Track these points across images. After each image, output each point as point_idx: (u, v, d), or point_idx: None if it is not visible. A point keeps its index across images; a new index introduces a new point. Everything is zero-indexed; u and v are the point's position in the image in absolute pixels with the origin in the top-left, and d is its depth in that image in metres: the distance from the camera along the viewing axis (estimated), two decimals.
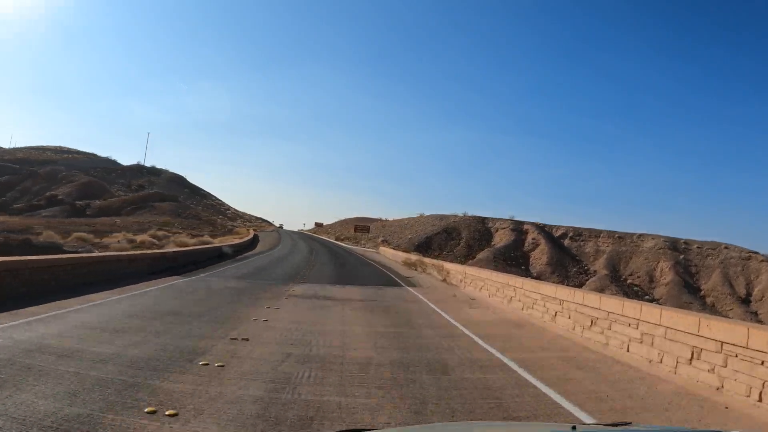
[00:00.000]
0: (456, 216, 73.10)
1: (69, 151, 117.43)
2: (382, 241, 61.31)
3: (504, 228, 69.53)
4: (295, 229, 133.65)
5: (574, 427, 1.71)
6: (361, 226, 59.75)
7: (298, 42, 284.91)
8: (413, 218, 79.55)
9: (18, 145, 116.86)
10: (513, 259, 59.75)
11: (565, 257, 64.03)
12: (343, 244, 58.32)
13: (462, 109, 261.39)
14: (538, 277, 57.49)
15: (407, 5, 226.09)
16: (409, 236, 61.34)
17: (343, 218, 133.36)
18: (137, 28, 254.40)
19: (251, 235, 55.23)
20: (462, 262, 56.79)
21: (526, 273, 57.02)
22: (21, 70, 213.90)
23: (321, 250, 39.94)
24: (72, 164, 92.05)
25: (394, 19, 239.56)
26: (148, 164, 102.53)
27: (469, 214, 74.06)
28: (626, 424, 2.12)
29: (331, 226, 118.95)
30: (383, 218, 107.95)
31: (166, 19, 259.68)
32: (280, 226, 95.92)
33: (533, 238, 67.18)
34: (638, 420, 4.20)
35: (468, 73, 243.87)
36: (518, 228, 69.53)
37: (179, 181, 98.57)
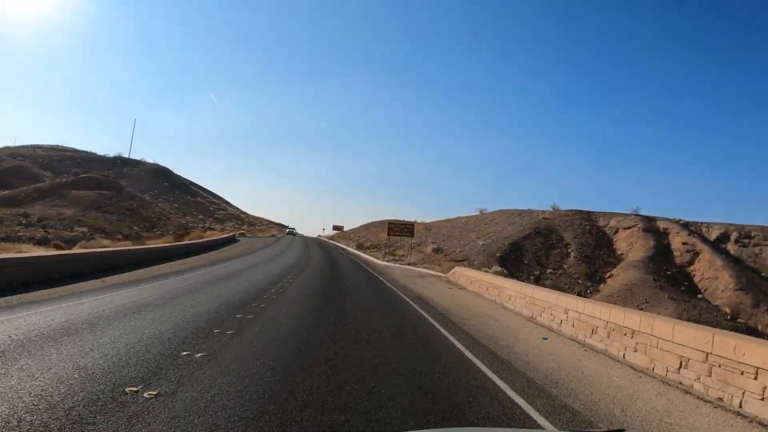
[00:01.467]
0: (543, 212, 47.40)
1: (64, 149, 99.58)
2: (435, 249, 36.36)
3: (629, 228, 43.24)
4: (314, 235, 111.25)
5: None
6: (399, 226, 34.79)
7: (325, 53, 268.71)
8: (473, 216, 54.29)
9: (17, 145, 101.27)
10: (672, 280, 33.43)
11: (752, 275, 37.19)
12: (369, 257, 33.67)
13: (467, 113, 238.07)
14: (736, 315, 31.01)
15: (436, 16, 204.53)
16: (482, 242, 36.08)
17: (368, 222, 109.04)
18: (167, 40, 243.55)
19: (210, 239, 31.74)
20: (591, 288, 31.04)
21: (707, 305, 30.75)
22: (47, 78, 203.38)
23: (300, 289, 15.52)
24: (36, 157, 71.99)
25: (417, 29, 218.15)
26: (143, 158, 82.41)
27: (561, 207, 48.19)
28: (620, 431, 2.30)
29: (355, 230, 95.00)
30: (421, 220, 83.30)
31: (187, 29, 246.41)
32: (289, 232, 70.42)
33: (684, 243, 40.56)
34: None
35: (485, 80, 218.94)
36: (651, 227, 43.09)
37: (161, 173, 77.57)
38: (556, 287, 23.71)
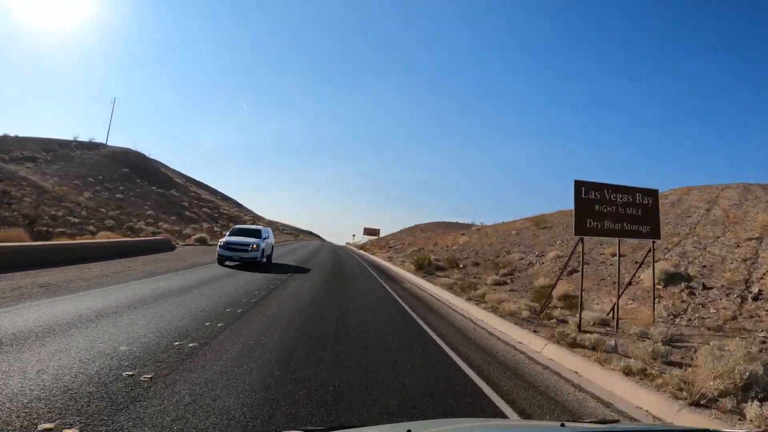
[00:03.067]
0: (756, 186, 22.90)
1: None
2: (673, 276, 12.52)
3: None
4: (342, 243, 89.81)
5: (563, 424, 1.64)
6: (619, 192, 9.70)
7: (356, 64, 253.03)
8: None
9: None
10: None
11: None
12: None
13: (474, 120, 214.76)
14: None
15: (468, 28, 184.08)
16: None
17: (410, 225, 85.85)
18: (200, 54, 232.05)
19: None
20: None
21: None
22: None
23: None
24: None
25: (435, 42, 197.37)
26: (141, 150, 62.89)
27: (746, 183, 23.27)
28: (615, 421, 2.25)
29: (394, 235, 71.94)
30: (479, 223, 58.71)
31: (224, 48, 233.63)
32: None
33: None
34: None
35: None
36: None
37: (125, 159, 57.48)
38: None
